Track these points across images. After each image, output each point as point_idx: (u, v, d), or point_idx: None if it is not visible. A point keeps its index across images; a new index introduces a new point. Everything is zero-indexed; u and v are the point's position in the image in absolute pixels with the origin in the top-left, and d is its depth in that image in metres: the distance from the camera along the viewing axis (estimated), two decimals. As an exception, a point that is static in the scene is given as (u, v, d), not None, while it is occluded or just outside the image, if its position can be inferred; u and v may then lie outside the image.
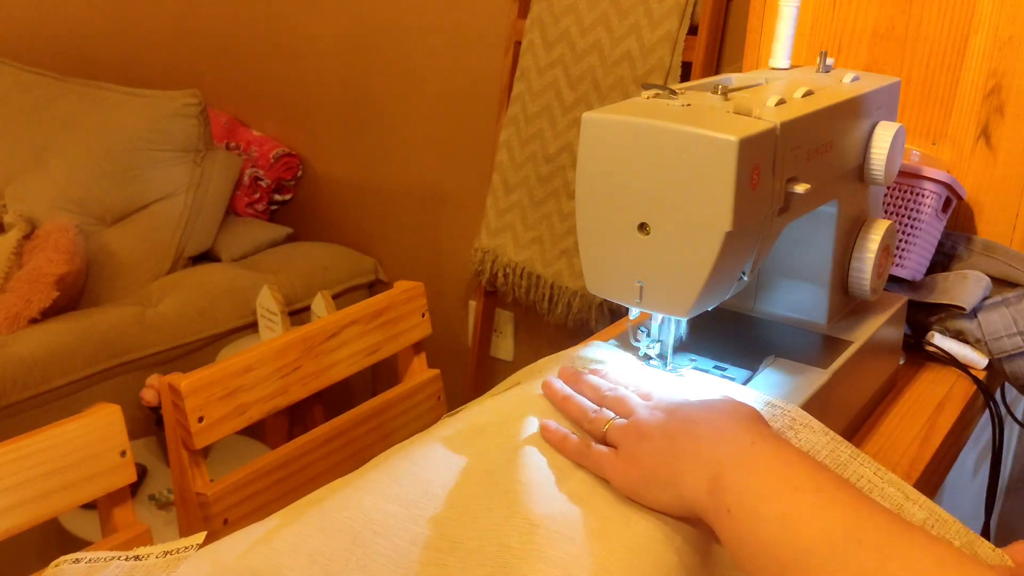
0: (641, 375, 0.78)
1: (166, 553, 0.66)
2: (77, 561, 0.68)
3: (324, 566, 0.59)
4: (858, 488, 0.55)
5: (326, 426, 1.07)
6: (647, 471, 0.62)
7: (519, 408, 0.72)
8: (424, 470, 0.66)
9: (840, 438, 0.72)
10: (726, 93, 0.75)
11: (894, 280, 1.08)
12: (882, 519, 0.51)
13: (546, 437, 0.68)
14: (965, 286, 1.07)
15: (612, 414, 0.68)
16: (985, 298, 1.07)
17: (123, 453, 0.87)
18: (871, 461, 0.70)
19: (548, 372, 0.77)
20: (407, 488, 0.64)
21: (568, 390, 0.72)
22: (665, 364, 0.79)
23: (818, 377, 0.82)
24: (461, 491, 0.64)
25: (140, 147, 2.17)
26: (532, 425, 0.70)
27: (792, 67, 0.97)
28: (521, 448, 0.67)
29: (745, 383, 0.80)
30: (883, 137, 0.90)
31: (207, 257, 2.24)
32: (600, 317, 1.76)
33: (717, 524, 0.57)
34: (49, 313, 1.88)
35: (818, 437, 0.71)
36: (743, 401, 0.66)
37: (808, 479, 0.55)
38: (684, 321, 0.78)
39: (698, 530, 0.61)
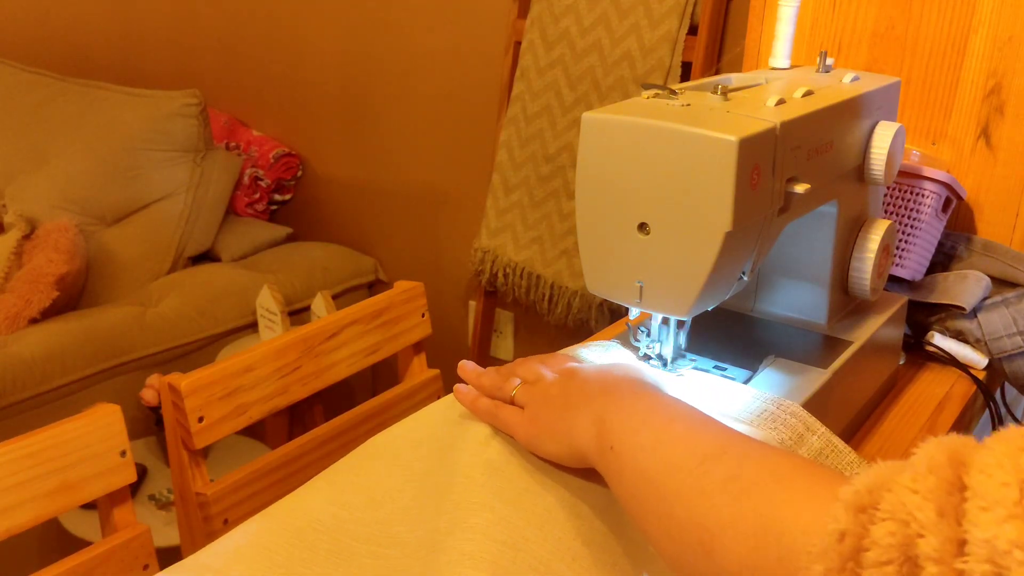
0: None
1: None
2: None
3: (270, 558, 0.63)
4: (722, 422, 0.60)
5: (326, 426, 1.07)
6: (544, 426, 0.66)
7: (455, 410, 0.74)
8: (367, 479, 0.70)
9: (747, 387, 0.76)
10: (726, 93, 0.75)
11: (894, 280, 1.08)
12: (748, 439, 0.56)
13: (458, 398, 0.72)
14: (965, 286, 1.07)
15: (519, 380, 0.72)
16: (985, 298, 1.07)
17: (123, 453, 0.87)
18: (774, 397, 0.74)
19: None
20: (349, 495, 0.68)
21: (482, 369, 0.76)
22: (665, 365, 0.79)
23: (818, 377, 0.82)
24: (402, 494, 0.68)
25: (140, 147, 2.17)
26: (465, 425, 0.72)
27: (792, 67, 0.97)
28: (452, 444, 0.70)
29: (745, 383, 0.80)
30: (883, 137, 0.90)
31: (207, 257, 2.24)
32: (600, 317, 1.76)
33: (603, 464, 0.61)
34: (49, 313, 1.88)
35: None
36: (638, 367, 0.70)
37: (683, 414, 0.59)
38: (685, 330, 0.78)
39: (602, 489, 0.65)
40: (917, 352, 1.07)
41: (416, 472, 0.69)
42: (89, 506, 0.88)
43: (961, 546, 0.38)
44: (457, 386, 0.73)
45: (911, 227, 1.08)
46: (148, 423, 1.82)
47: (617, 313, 1.72)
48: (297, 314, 2.07)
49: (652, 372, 0.70)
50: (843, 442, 0.73)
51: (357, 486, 0.69)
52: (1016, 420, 1.32)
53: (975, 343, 1.06)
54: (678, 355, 0.80)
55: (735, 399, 0.76)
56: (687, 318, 0.74)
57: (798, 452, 0.70)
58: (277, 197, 2.41)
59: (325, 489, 0.70)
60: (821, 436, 0.72)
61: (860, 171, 0.91)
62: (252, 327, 2.05)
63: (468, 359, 0.77)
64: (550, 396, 0.67)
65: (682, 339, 0.79)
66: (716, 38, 1.65)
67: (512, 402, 0.70)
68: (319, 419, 1.79)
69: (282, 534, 0.65)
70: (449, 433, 0.72)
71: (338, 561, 0.64)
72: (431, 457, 0.70)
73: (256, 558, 0.64)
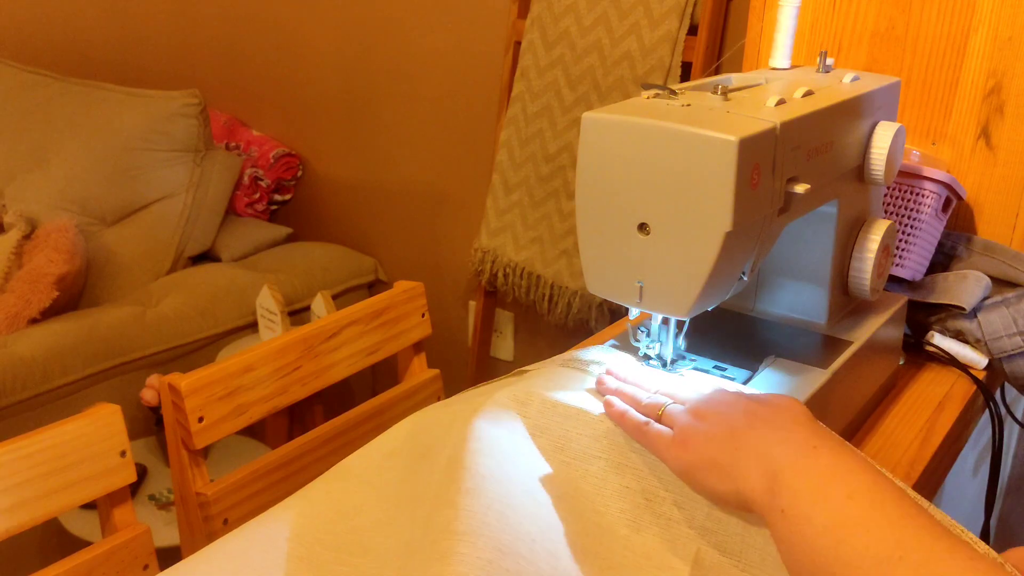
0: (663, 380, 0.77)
1: None
2: None
3: (241, 562, 0.65)
4: (912, 498, 0.56)
5: (326, 426, 1.07)
6: (704, 457, 0.63)
7: (422, 423, 0.75)
8: (337, 495, 0.71)
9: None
10: (726, 93, 0.75)
11: (894, 280, 1.08)
12: (928, 537, 0.52)
13: (607, 411, 0.70)
14: (965, 286, 1.07)
15: (666, 400, 0.69)
16: (985, 298, 1.07)
17: (123, 453, 0.87)
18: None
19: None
20: (320, 508, 0.69)
21: (618, 382, 0.73)
22: (665, 365, 0.79)
23: (818, 377, 0.82)
24: (373, 508, 0.69)
25: (140, 147, 2.17)
26: (431, 434, 0.73)
27: (792, 67, 0.97)
28: (423, 453, 0.70)
29: (745, 383, 0.80)
30: (883, 137, 0.90)
31: (207, 257, 2.24)
32: (600, 317, 1.76)
33: (771, 522, 0.58)
34: (49, 313, 1.88)
35: None
36: (793, 398, 0.66)
37: (863, 489, 0.55)
38: (682, 335, 0.78)
39: (560, 478, 0.65)
40: (917, 352, 1.07)
41: (386, 486, 0.70)
42: (89, 506, 0.88)
43: None
44: (607, 398, 0.71)
45: (911, 227, 1.08)
46: (148, 423, 1.82)
47: (617, 313, 1.71)
48: (297, 314, 2.07)
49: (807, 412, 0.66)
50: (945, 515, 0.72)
51: (327, 502, 0.70)
52: (1016, 420, 1.32)
53: (975, 343, 1.06)
54: (678, 356, 0.80)
55: None
56: (687, 318, 0.74)
57: None
58: (277, 197, 2.41)
59: (296, 505, 0.71)
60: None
61: (860, 171, 0.91)
62: (252, 327, 2.05)
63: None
64: (708, 422, 0.64)
65: (681, 341, 0.79)
66: (716, 38, 1.65)
67: (659, 420, 0.68)
68: (319, 419, 1.79)
69: (254, 540, 0.67)
70: (420, 444, 0.72)
71: (309, 568, 0.65)
72: (401, 471, 0.71)
73: (226, 565, 0.65)
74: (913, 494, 0.68)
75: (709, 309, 0.75)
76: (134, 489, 1.61)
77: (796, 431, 0.61)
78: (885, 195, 1.09)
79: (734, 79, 0.85)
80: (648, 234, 0.70)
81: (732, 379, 0.80)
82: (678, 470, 0.65)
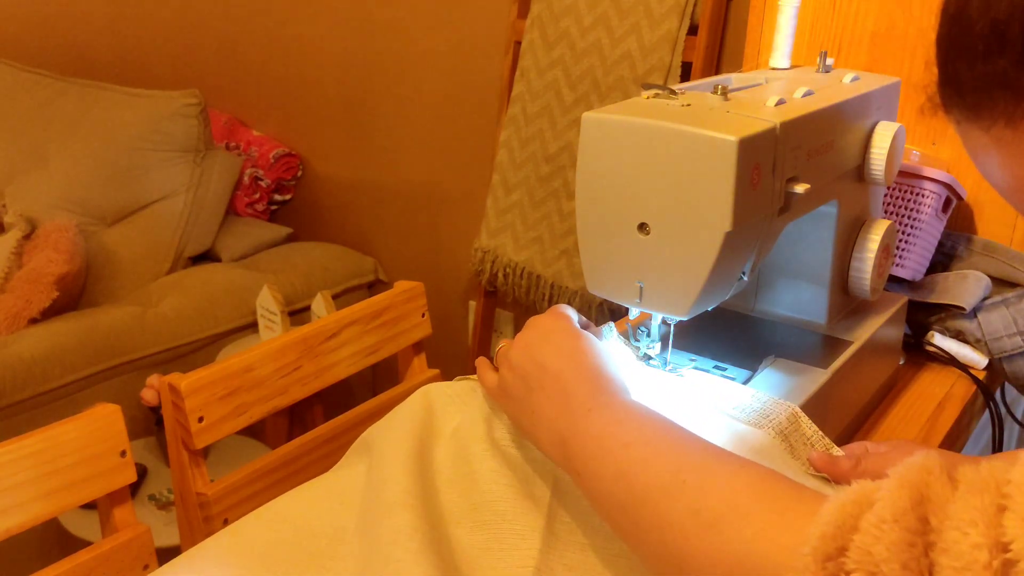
0: None
1: None
2: None
3: (220, 561, 0.68)
4: (679, 428, 0.61)
5: (326, 426, 1.07)
6: (512, 415, 0.71)
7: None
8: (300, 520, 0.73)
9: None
10: (726, 93, 0.75)
11: (894, 280, 1.08)
12: (699, 455, 0.58)
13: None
14: (965, 286, 1.07)
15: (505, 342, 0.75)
16: (985, 298, 1.07)
17: (123, 453, 0.87)
18: (769, 397, 0.75)
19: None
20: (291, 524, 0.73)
21: None
22: (665, 364, 0.79)
23: (818, 377, 0.82)
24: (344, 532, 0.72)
25: (140, 147, 2.17)
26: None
27: (792, 67, 0.97)
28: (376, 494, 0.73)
29: (745, 383, 0.80)
30: (883, 137, 0.90)
31: (207, 257, 2.24)
32: (600, 317, 1.76)
33: (574, 482, 0.64)
34: (49, 313, 1.88)
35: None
36: (586, 351, 0.69)
37: (636, 434, 0.60)
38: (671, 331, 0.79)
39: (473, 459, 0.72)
40: (917, 352, 1.07)
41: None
42: (89, 506, 0.88)
43: None
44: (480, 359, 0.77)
45: (911, 227, 1.08)
46: (148, 423, 1.82)
47: (617, 313, 1.71)
48: (297, 314, 2.07)
49: (601, 349, 0.70)
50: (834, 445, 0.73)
51: (296, 527, 0.73)
52: (1016, 420, 1.32)
53: (975, 343, 1.06)
54: (664, 351, 0.80)
55: (732, 399, 0.76)
56: (687, 318, 0.74)
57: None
58: (277, 197, 2.41)
59: (263, 514, 0.74)
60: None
61: (860, 171, 0.91)
62: (252, 327, 2.05)
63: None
64: (511, 369, 0.69)
65: (657, 333, 0.79)
66: (716, 38, 1.65)
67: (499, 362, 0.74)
68: (319, 419, 1.79)
69: (233, 547, 0.71)
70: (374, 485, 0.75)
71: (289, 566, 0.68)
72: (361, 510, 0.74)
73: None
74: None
75: (709, 309, 0.75)
76: (134, 489, 1.61)
77: (572, 395, 0.65)
78: (885, 195, 1.09)
79: (734, 79, 0.85)
80: (648, 234, 0.70)
81: (732, 379, 0.80)
82: (506, 414, 0.72)
